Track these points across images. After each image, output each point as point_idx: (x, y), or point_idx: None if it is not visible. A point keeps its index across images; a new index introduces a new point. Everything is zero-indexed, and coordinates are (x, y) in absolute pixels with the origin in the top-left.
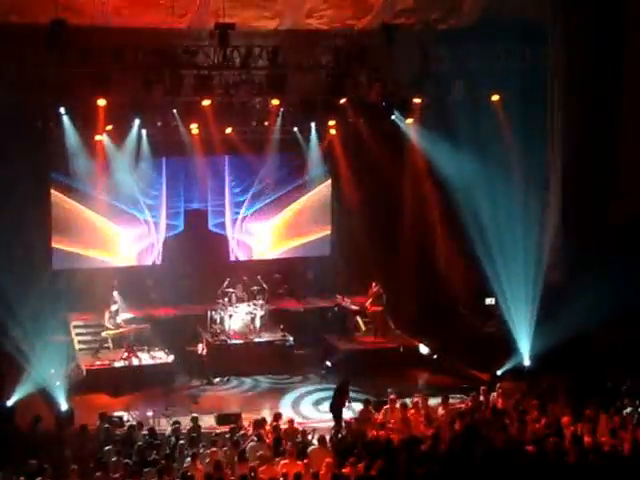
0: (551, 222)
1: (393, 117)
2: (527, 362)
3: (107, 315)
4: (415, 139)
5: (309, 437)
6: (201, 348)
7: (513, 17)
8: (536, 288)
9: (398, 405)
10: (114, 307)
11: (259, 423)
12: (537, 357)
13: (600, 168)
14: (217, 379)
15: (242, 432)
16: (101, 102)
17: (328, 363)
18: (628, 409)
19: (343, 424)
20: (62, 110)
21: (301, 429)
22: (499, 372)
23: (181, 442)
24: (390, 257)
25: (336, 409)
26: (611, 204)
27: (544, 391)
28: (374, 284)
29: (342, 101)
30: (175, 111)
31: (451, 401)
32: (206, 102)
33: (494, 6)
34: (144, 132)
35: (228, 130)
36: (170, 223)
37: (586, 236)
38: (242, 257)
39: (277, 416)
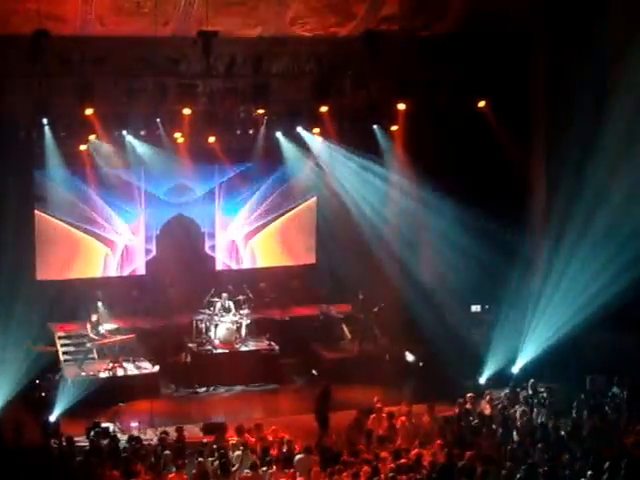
0: (536, 226)
1: (375, 126)
2: (515, 369)
3: (89, 326)
4: (399, 146)
5: (295, 445)
6: (184, 356)
7: (497, 24)
8: (523, 294)
9: (385, 413)
10: (94, 317)
11: (240, 431)
12: (524, 363)
13: (585, 172)
14: (203, 388)
15: (228, 441)
16: (89, 111)
17: (314, 372)
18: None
19: (328, 431)
20: (45, 120)
21: (287, 437)
22: (483, 380)
23: (166, 452)
24: (375, 265)
25: (321, 415)
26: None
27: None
28: (361, 291)
29: (324, 109)
30: (159, 120)
31: (437, 409)
32: (187, 111)
33: (478, 13)
34: (127, 141)
35: (211, 139)
36: (151, 234)
37: (572, 239)
38: (227, 266)
39: (259, 425)
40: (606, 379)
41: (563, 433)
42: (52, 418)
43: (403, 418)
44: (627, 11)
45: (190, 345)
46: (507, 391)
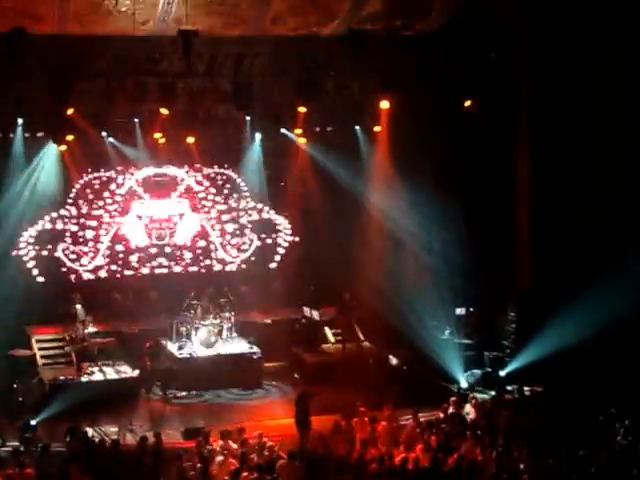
0: (521, 226)
1: (357, 127)
2: (501, 372)
3: (71, 328)
4: (382, 147)
5: (277, 451)
6: (164, 360)
7: (480, 22)
8: (507, 296)
9: (367, 418)
10: (79, 324)
11: (224, 435)
12: (510, 367)
13: (570, 169)
14: (183, 392)
15: (208, 447)
16: (70, 111)
17: (296, 375)
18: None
19: (310, 437)
20: (20, 121)
21: (269, 443)
22: (467, 384)
23: (146, 458)
24: (358, 268)
25: (301, 421)
26: (580, 207)
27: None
28: (345, 294)
29: (306, 109)
30: (137, 121)
31: (421, 413)
32: (164, 111)
33: (461, 11)
34: (107, 142)
35: (190, 139)
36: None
37: (556, 240)
38: (209, 268)
39: (241, 430)
40: (593, 380)
41: (549, 436)
42: (30, 423)
43: (386, 422)
44: (609, 8)
45: (170, 349)
46: (492, 394)
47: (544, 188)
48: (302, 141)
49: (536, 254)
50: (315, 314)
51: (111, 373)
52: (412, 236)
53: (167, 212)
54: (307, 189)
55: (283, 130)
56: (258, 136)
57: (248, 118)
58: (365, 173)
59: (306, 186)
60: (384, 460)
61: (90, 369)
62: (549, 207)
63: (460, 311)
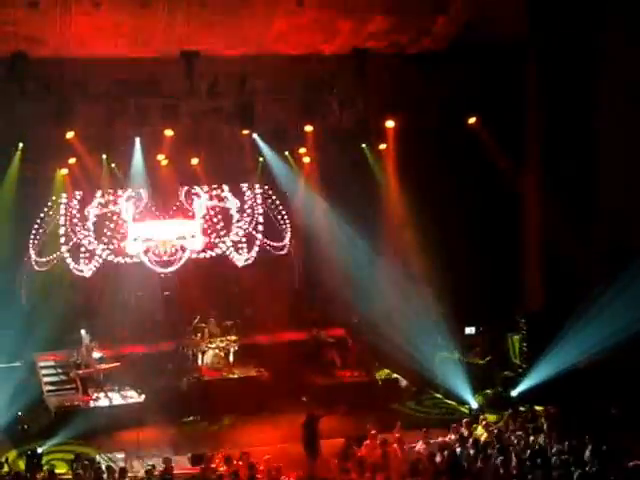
0: (530, 243)
1: (363, 145)
2: (513, 392)
3: (76, 354)
4: (388, 165)
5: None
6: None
7: (485, 39)
8: (517, 315)
9: (378, 440)
10: (84, 349)
11: (231, 459)
12: (521, 386)
13: (581, 188)
14: (190, 417)
15: (216, 471)
16: (70, 134)
17: (304, 398)
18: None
19: (319, 461)
20: (20, 145)
21: (277, 467)
22: (475, 405)
23: None
24: (366, 290)
25: (309, 445)
26: (593, 229)
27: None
28: (354, 317)
29: (309, 129)
30: (138, 140)
31: (432, 434)
32: (169, 132)
33: (465, 29)
34: (106, 164)
35: (194, 161)
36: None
37: (568, 262)
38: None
39: (248, 454)
40: (606, 401)
41: (563, 458)
42: (35, 450)
43: (396, 445)
44: (618, 23)
45: (176, 372)
46: (504, 415)
47: (553, 205)
48: (307, 160)
49: (546, 272)
50: (323, 336)
51: (117, 399)
52: (419, 254)
53: (173, 233)
54: (312, 209)
55: (286, 153)
56: (261, 156)
57: (255, 136)
58: (371, 191)
59: (311, 206)
60: None
61: (96, 395)
62: (559, 225)
63: (469, 330)
